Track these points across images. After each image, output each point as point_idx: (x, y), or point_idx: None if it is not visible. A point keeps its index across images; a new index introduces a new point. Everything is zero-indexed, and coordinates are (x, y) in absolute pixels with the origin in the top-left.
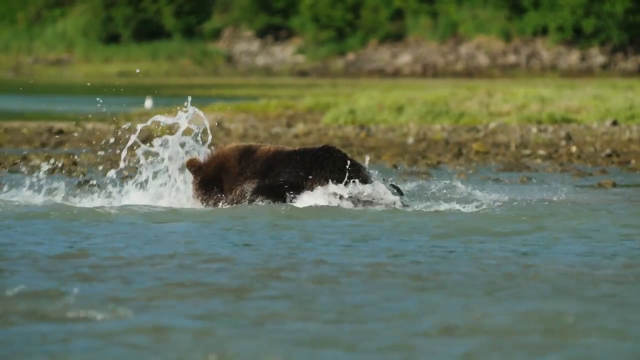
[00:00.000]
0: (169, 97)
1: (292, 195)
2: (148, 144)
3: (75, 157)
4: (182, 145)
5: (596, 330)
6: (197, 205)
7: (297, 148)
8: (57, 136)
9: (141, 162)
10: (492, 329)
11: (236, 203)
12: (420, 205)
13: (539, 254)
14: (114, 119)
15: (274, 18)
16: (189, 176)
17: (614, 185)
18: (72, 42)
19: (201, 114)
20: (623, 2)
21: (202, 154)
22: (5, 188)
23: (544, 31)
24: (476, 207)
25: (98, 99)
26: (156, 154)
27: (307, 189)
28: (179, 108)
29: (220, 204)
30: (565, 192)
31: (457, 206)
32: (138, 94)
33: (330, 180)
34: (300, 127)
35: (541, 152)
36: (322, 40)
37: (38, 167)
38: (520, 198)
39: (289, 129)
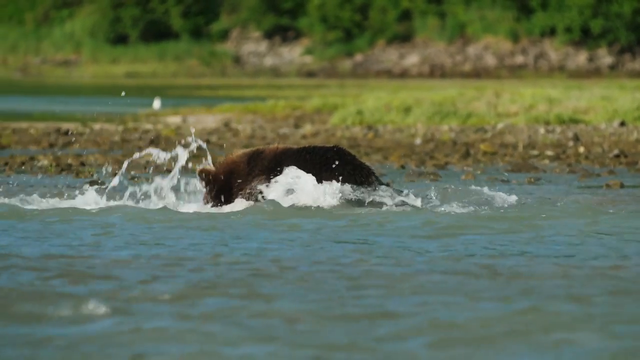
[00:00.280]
0: (177, 98)
1: (296, 195)
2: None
3: (83, 157)
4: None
5: (602, 330)
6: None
7: (305, 146)
8: (64, 136)
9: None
10: (493, 329)
11: (247, 201)
12: (425, 206)
13: (545, 254)
14: (121, 119)
15: (281, 19)
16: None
17: (622, 186)
18: (80, 42)
19: (204, 145)
20: (631, 2)
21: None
22: (12, 188)
23: (551, 32)
24: (481, 207)
25: (109, 102)
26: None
27: (314, 190)
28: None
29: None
30: (573, 193)
31: (458, 206)
32: (145, 95)
33: (339, 183)
34: (307, 128)
35: (549, 152)
36: (329, 41)
37: (45, 168)
38: (528, 199)
39: (297, 130)
